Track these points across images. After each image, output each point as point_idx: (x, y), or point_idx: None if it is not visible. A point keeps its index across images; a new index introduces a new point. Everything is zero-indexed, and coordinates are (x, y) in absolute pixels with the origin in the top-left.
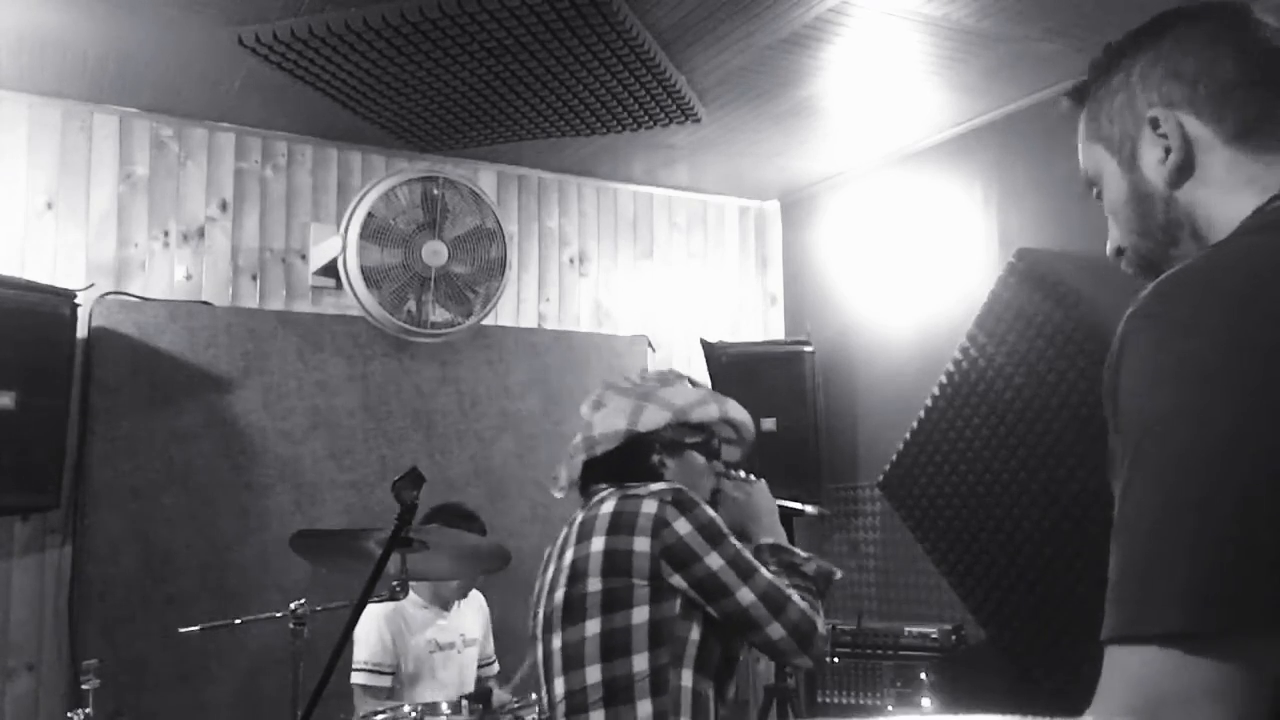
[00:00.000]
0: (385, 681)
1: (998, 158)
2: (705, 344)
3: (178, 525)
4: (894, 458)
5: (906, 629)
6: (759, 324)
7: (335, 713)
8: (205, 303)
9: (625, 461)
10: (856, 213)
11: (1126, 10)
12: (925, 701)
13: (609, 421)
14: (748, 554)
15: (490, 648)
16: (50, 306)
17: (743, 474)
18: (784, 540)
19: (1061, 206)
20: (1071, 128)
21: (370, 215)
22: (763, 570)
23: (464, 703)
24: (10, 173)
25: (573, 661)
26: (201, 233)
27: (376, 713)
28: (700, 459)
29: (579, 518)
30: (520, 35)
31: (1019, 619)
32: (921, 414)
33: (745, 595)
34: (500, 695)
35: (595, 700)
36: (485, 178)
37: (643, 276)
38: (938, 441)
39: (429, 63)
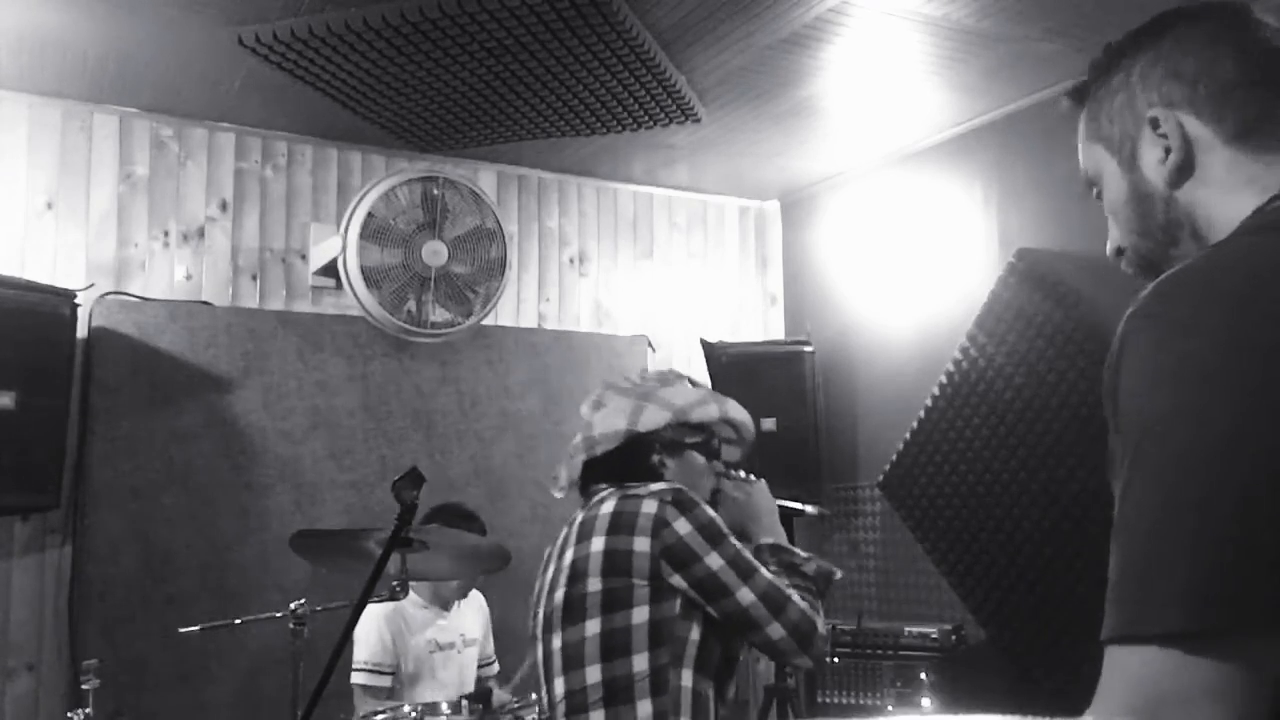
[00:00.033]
0: (385, 681)
1: (998, 158)
2: (705, 344)
3: (178, 525)
4: (894, 458)
5: (906, 629)
6: (759, 324)
7: (335, 713)
8: (205, 303)
9: (625, 461)
10: (856, 213)
11: (1126, 10)
12: (925, 701)
13: (609, 421)
14: (748, 554)
15: (490, 648)
16: (50, 306)
17: (743, 474)
18: (784, 540)
19: (1061, 206)
20: (1071, 128)
21: (370, 215)
22: (763, 570)
23: (464, 703)
24: (10, 173)
25: (573, 661)
26: (201, 233)
27: (376, 713)
28: (700, 459)
29: (579, 518)
30: (520, 35)
31: (1019, 619)
32: (921, 414)
33: (745, 595)
34: (500, 695)
35: (595, 700)
36: (485, 178)
37: (643, 276)
38: (938, 441)
39: (429, 63)
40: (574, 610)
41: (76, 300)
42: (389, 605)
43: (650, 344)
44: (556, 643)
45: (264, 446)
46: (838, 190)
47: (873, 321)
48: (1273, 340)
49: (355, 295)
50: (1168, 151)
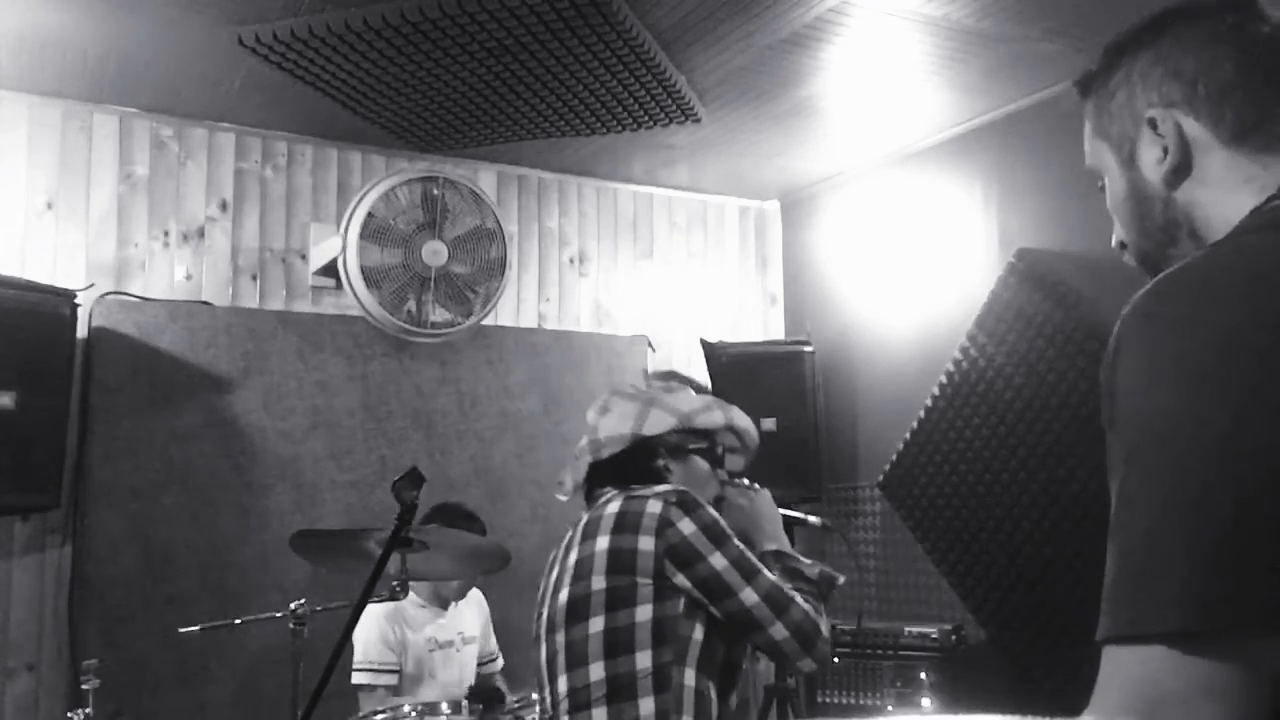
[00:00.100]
0: (388, 680)
1: (998, 158)
2: (705, 344)
3: (178, 525)
4: (894, 458)
5: (906, 629)
6: (759, 324)
7: (335, 713)
8: (205, 303)
9: (630, 465)
10: (856, 213)
11: (1127, 10)
12: (925, 701)
13: (614, 425)
14: (751, 555)
15: (492, 644)
16: (50, 306)
17: (746, 482)
18: (787, 547)
19: (1061, 206)
20: (1072, 128)
21: (370, 215)
22: (766, 572)
23: (464, 703)
24: (10, 173)
25: (576, 659)
26: (201, 233)
27: (376, 712)
28: (704, 465)
29: (583, 519)
30: (520, 35)
31: (1019, 619)
32: (921, 414)
33: (749, 595)
34: (509, 701)
35: (598, 697)
36: (485, 178)
37: (643, 276)
38: (938, 441)
39: (429, 63)
40: (578, 609)
41: (76, 300)
42: (389, 605)
43: (650, 344)
44: (560, 641)
45: (264, 446)
46: (838, 190)
47: (873, 321)
48: (1270, 339)
49: (355, 295)
50: (1165, 152)
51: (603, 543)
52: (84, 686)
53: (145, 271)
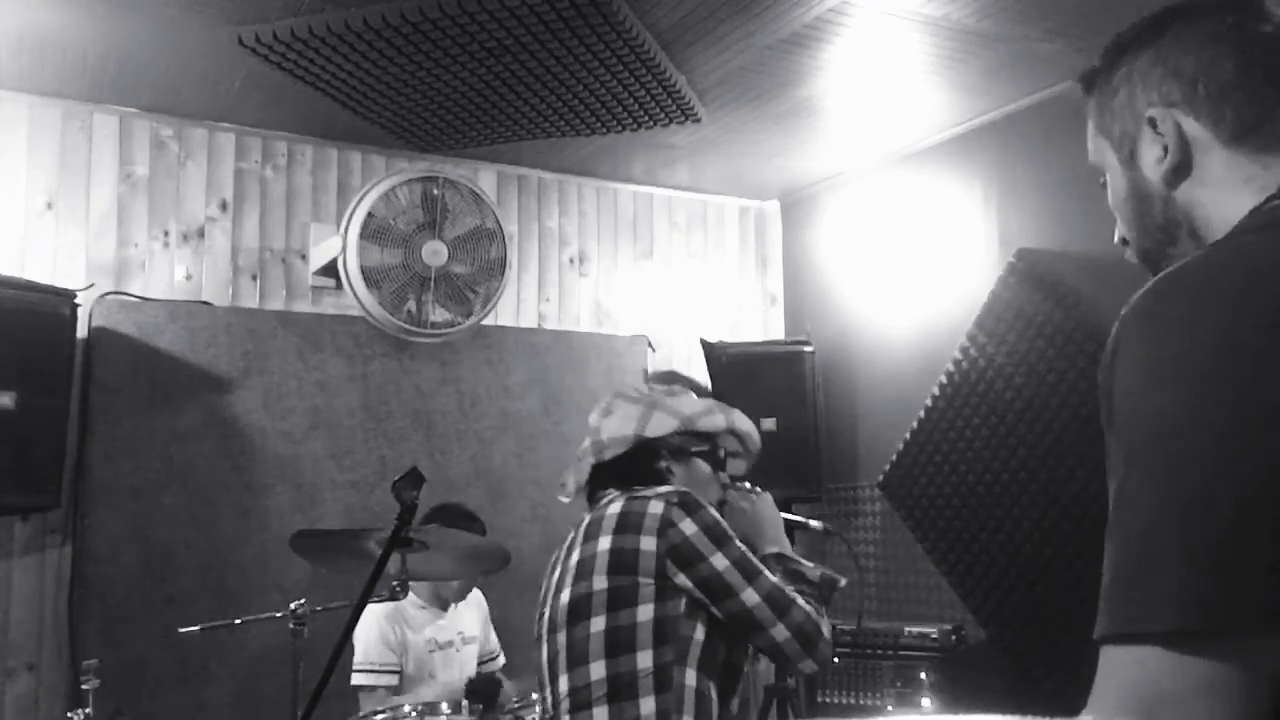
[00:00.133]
0: (388, 681)
1: (998, 158)
2: (705, 344)
3: (178, 525)
4: (894, 458)
5: (906, 629)
6: (759, 324)
7: (335, 713)
8: (205, 303)
9: (632, 466)
10: (856, 213)
11: (1127, 10)
12: (925, 701)
13: (617, 427)
14: (753, 557)
15: (493, 642)
16: (50, 306)
17: (748, 486)
18: (789, 550)
19: (1061, 206)
20: (1072, 128)
21: (370, 215)
22: (767, 573)
23: (464, 702)
24: (10, 173)
25: (577, 658)
26: (201, 233)
27: (376, 712)
28: (706, 467)
29: (585, 520)
30: (520, 35)
31: (1019, 619)
32: (921, 414)
33: (750, 596)
34: (509, 688)
35: (599, 696)
36: (485, 178)
37: (643, 276)
38: (938, 441)
39: (429, 63)
40: (579, 608)
41: (76, 300)
42: (389, 605)
43: (650, 344)
44: (561, 641)
45: (264, 446)
46: (838, 190)
47: (873, 321)
48: (1269, 339)
49: (355, 295)
50: (1165, 151)
51: (605, 543)
52: (84, 686)
53: (145, 271)
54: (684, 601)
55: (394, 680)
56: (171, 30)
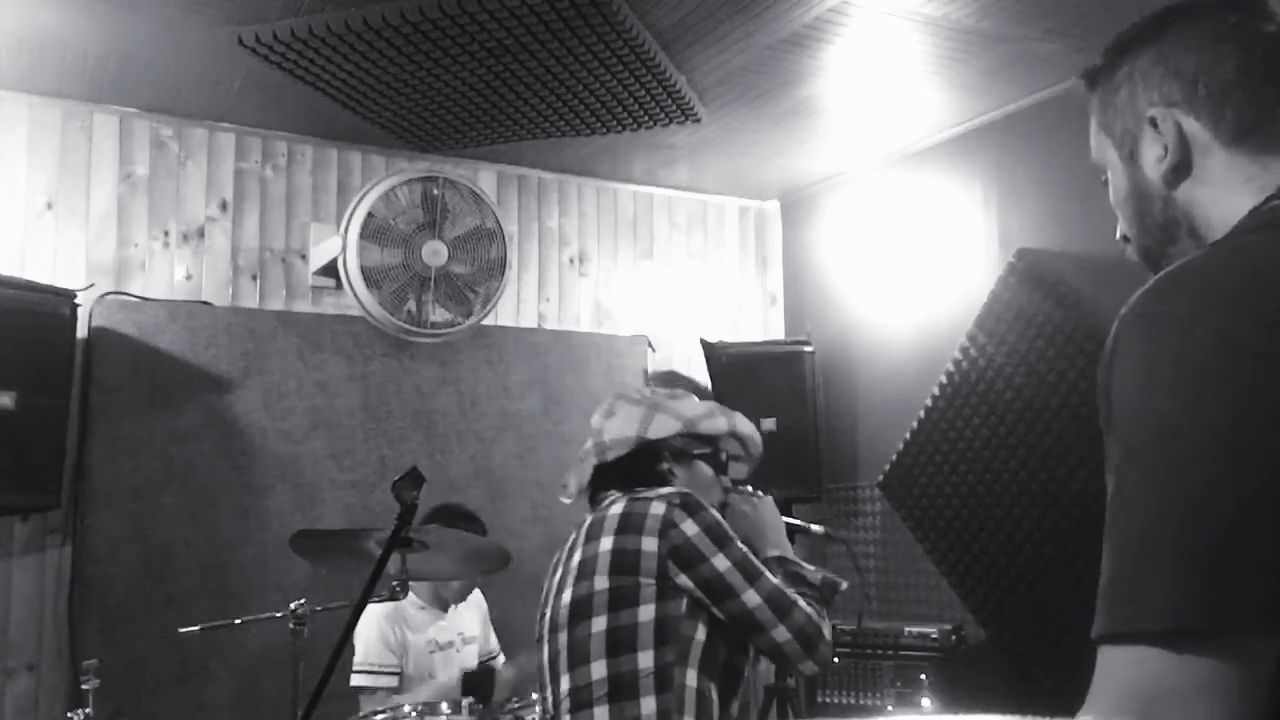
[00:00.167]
0: (389, 682)
1: (998, 158)
2: (705, 344)
3: (178, 525)
4: (894, 458)
5: (906, 629)
6: (759, 324)
7: (335, 713)
8: (205, 303)
9: (634, 468)
10: (856, 213)
11: (1127, 10)
12: (925, 701)
13: (619, 428)
14: (754, 558)
15: (493, 642)
16: (50, 306)
17: (750, 489)
18: (790, 554)
19: (1061, 206)
20: (1072, 128)
21: (370, 215)
22: (769, 575)
23: (464, 702)
24: (10, 173)
25: (578, 657)
26: (201, 233)
27: (376, 712)
28: (707, 470)
29: (587, 521)
30: (520, 35)
31: (1019, 619)
32: (921, 414)
33: (751, 597)
34: (505, 672)
35: (600, 695)
36: (485, 178)
37: (643, 276)
38: (938, 441)
39: (429, 63)
40: (581, 608)
41: (76, 300)
42: (389, 606)
43: (650, 344)
44: (563, 641)
45: (264, 446)
46: (838, 190)
47: (873, 321)
48: (1268, 339)
49: (355, 295)
50: (1166, 150)
51: (606, 543)
52: (84, 686)
53: (145, 271)
54: (685, 602)
55: (394, 682)
56: (171, 30)
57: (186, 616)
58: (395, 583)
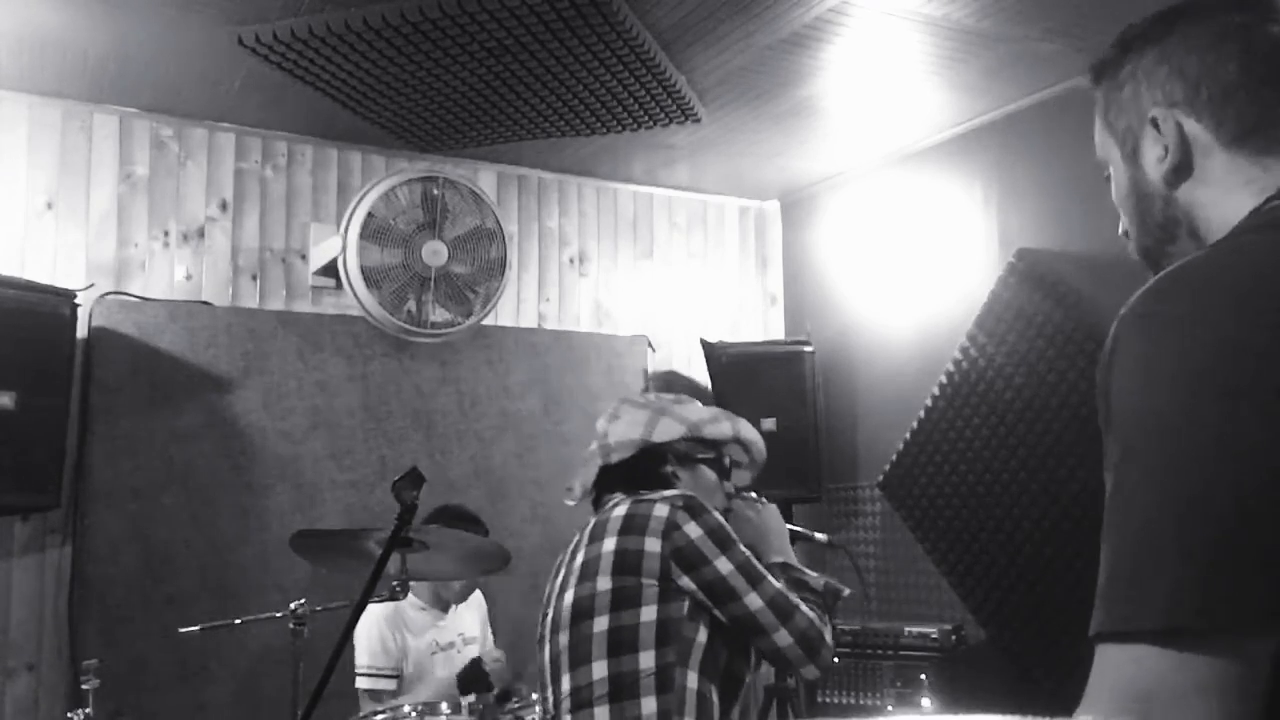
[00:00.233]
0: (389, 685)
1: (998, 158)
2: (705, 344)
3: (178, 525)
4: (894, 458)
5: (906, 629)
6: (759, 324)
7: (335, 713)
8: (205, 303)
9: (639, 470)
10: (856, 213)
11: (1127, 10)
12: (925, 701)
13: (624, 431)
14: (756, 562)
15: (491, 642)
16: (50, 306)
17: (754, 496)
18: (793, 560)
19: (1061, 206)
20: (1072, 128)
21: (370, 215)
22: (771, 578)
23: (464, 703)
24: (10, 173)
25: (579, 657)
26: (201, 233)
27: (376, 712)
28: (711, 475)
29: (591, 523)
30: (520, 35)
31: (1019, 619)
32: (921, 414)
33: (753, 600)
34: (490, 654)
35: (600, 695)
36: (485, 178)
37: (643, 276)
38: (938, 441)
39: (429, 63)
40: (583, 608)
41: (76, 300)
42: (389, 607)
43: (650, 344)
44: (564, 641)
45: (264, 446)
46: (838, 190)
47: (873, 321)
48: (1269, 339)
49: (355, 295)
50: (1166, 151)
51: (609, 544)
52: (84, 686)
53: (145, 271)
54: (687, 604)
55: (393, 685)
56: (171, 30)
57: (186, 616)
58: (395, 583)
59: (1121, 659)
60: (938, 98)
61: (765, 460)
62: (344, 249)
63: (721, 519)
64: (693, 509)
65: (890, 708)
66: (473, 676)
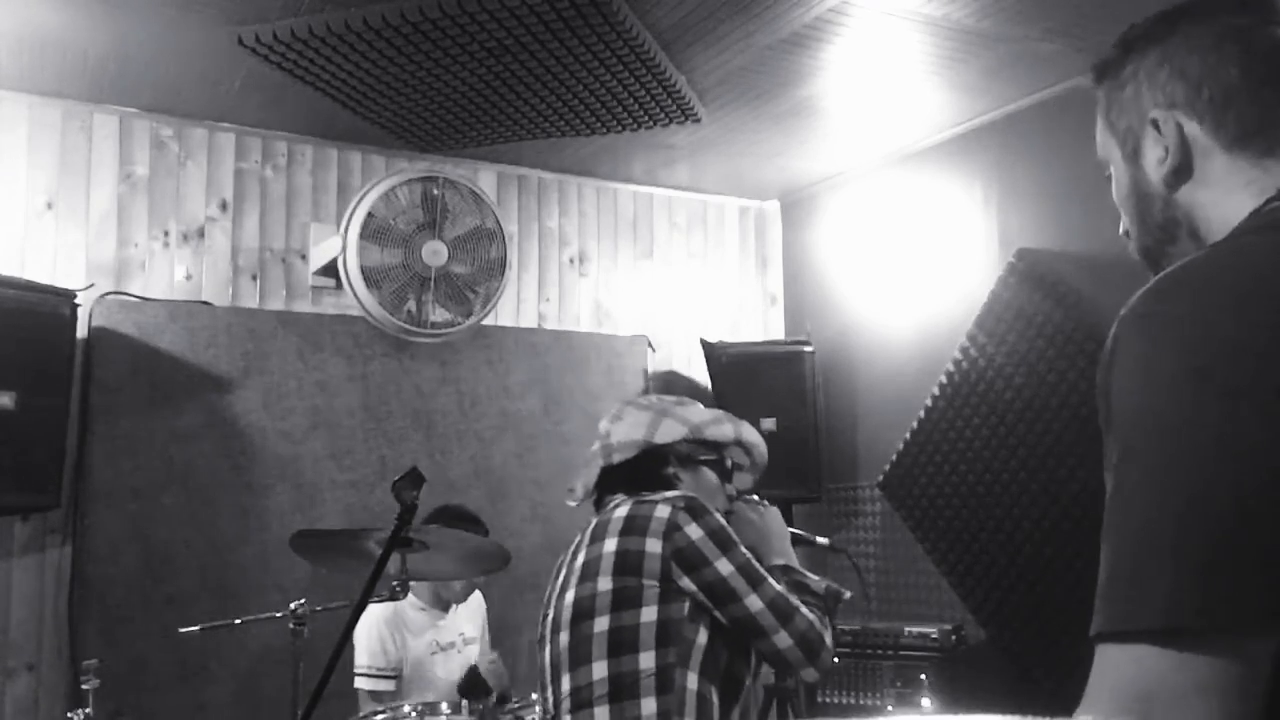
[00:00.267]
0: (388, 685)
1: (998, 158)
2: (705, 344)
3: (178, 525)
4: (894, 458)
5: (906, 629)
6: (759, 324)
7: (335, 713)
8: (205, 303)
9: (640, 471)
10: (856, 213)
11: (1127, 10)
12: (925, 701)
13: (627, 432)
14: (757, 564)
15: (488, 643)
16: (50, 306)
17: (756, 498)
18: (794, 562)
19: (1061, 206)
20: (1072, 128)
21: (370, 215)
22: (772, 580)
23: (464, 703)
24: (10, 173)
25: (580, 658)
26: (201, 233)
27: (376, 712)
28: (713, 476)
29: (592, 523)
30: (520, 35)
31: (1019, 619)
32: (921, 414)
33: (754, 602)
34: (485, 656)
35: (600, 695)
36: (485, 178)
37: (643, 276)
38: (938, 441)
39: (429, 63)
40: (584, 609)
41: (76, 300)
42: (389, 607)
43: (650, 344)
44: (565, 641)
45: (264, 446)
46: (838, 190)
47: (873, 321)
48: (1268, 339)
49: (355, 295)
50: (1167, 152)
51: (610, 545)
52: (84, 686)
53: (145, 271)
54: (687, 605)
55: (392, 686)
56: (171, 30)
57: (186, 616)
58: (395, 583)
59: (1122, 659)
60: (938, 98)
61: (766, 463)
62: (344, 249)
63: (723, 521)
64: (694, 510)
65: (890, 708)
66: (472, 684)
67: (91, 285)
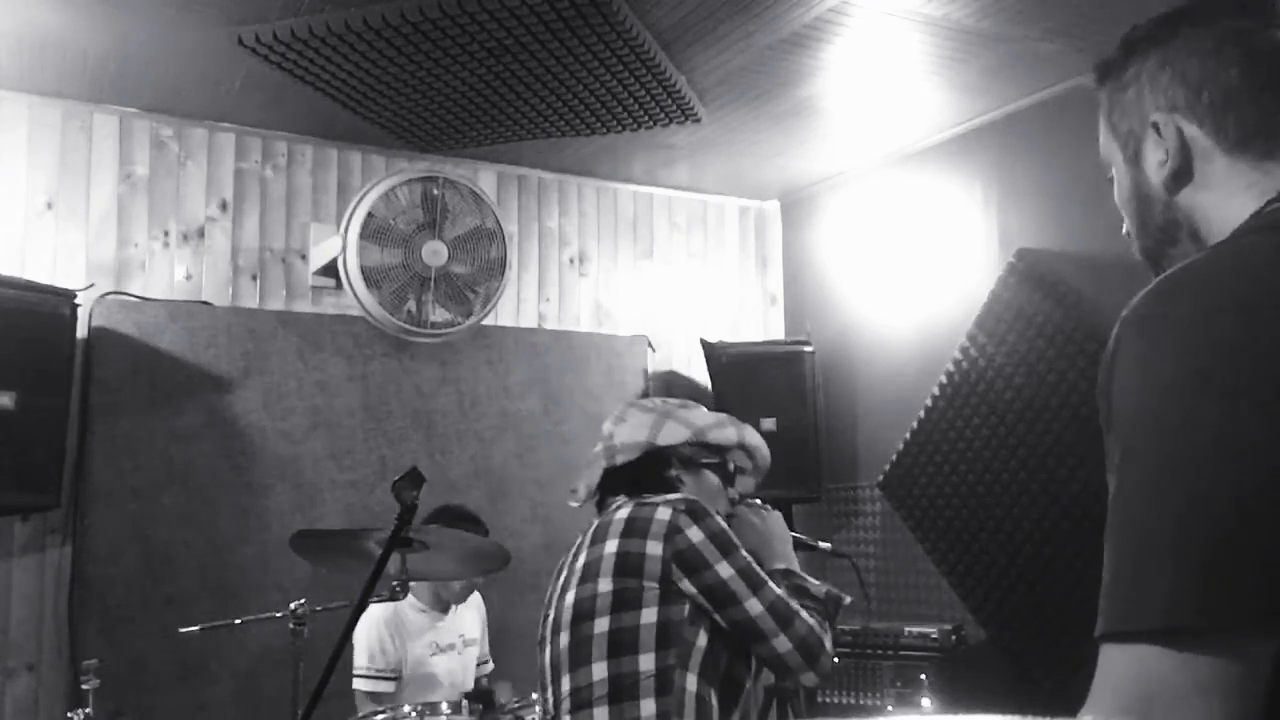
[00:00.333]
0: (388, 687)
1: (998, 158)
2: (705, 344)
3: (178, 525)
4: (894, 458)
5: (906, 629)
6: (759, 324)
7: (335, 713)
8: (205, 303)
9: (642, 473)
10: (856, 213)
11: (1127, 10)
12: (925, 701)
13: (630, 434)
14: (757, 567)
15: (485, 647)
16: (50, 306)
17: (758, 502)
18: (795, 567)
19: (1061, 206)
20: (1072, 128)
21: (370, 215)
22: (772, 584)
23: (464, 703)
24: (10, 173)
25: (579, 658)
26: (201, 233)
27: (376, 712)
28: (715, 480)
29: (594, 525)
30: (520, 35)
31: (1019, 619)
32: (921, 414)
33: (754, 605)
34: (503, 691)
35: (600, 696)
36: (485, 178)
37: (643, 276)
38: (938, 441)
39: (429, 63)
40: (584, 610)
41: (76, 300)
42: (388, 608)
43: (650, 344)
44: (565, 642)
45: (264, 446)
46: (838, 190)
47: (873, 321)
48: (1269, 340)
49: (355, 295)
50: (1168, 155)
51: (611, 546)
52: (84, 686)
53: (145, 271)
54: (688, 607)
55: (391, 687)
56: (171, 30)
57: (186, 616)
58: (395, 583)
59: (1124, 659)
60: (938, 98)
61: (768, 466)
62: (344, 249)
63: (724, 524)
64: (695, 513)
65: (890, 708)
66: (481, 701)
67: (91, 285)
